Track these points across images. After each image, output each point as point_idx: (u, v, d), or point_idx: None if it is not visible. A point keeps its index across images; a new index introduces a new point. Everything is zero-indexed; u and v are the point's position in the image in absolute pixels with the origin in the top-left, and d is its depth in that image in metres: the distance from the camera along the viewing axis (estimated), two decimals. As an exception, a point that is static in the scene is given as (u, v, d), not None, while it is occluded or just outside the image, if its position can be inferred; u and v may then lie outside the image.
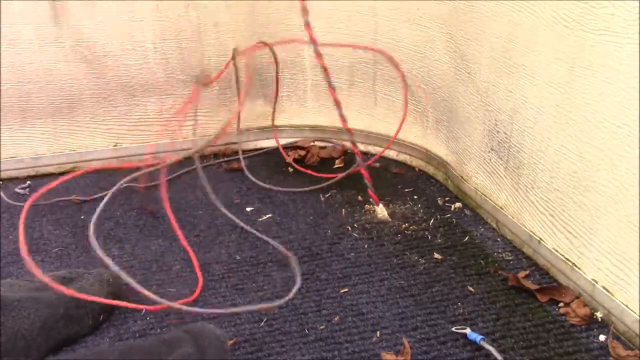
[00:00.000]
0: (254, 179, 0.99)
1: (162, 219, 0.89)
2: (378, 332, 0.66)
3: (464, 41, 0.84)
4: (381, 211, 0.88)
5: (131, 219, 0.89)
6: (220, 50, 1.03)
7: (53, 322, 0.63)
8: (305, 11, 0.80)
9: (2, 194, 0.96)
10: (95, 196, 0.95)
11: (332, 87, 0.85)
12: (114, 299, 0.67)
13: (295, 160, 1.06)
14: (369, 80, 1.04)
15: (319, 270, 0.77)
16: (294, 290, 0.70)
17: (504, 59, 0.76)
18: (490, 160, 0.84)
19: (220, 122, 1.08)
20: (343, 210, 0.90)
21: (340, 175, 0.97)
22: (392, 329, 0.67)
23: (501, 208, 0.83)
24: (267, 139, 1.11)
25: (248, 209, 0.91)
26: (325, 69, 0.85)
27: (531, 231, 0.77)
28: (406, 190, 0.96)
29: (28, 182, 1.01)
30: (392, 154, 1.06)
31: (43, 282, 0.64)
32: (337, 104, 0.86)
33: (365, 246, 0.81)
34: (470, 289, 0.73)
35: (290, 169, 1.04)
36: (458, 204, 0.91)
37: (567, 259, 0.71)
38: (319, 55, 0.82)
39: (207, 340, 0.60)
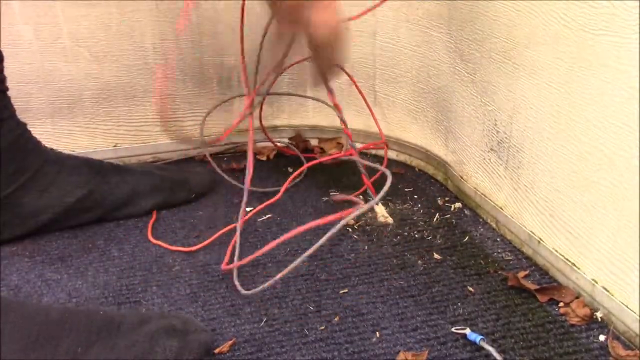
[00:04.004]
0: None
1: (162, 219, 0.89)
2: (378, 333, 0.66)
3: (464, 41, 0.84)
4: (381, 211, 0.88)
5: (131, 219, 0.89)
6: (221, 51, 1.03)
7: (161, 186, 0.91)
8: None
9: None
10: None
11: (330, 92, 0.84)
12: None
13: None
14: (368, 80, 1.03)
15: (319, 270, 0.77)
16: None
17: (503, 58, 0.76)
18: (489, 160, 0.84)
19: (221, 122, 1.08)
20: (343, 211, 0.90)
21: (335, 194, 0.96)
22: (392, 329, 0.67)
23: (501, 208, 0.83)
24: (265, 139, 1.11)
25: (248, 209, 0.90)
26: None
27: (531, 231, 0.77)
28: (406, 190, 0.96)
29: (28, 182, 1.01)
30: (392, 154, 1.05)
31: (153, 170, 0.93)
32: (338, 109, 0.87)
33: (365, 247, 0.81)
34: (470, 289, 0.73)
35: (290, 169, 1.04)
36: (458, 204, 0.91)
37: (567, 259, 0.71)
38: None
39: (191, 333, 0.62)
